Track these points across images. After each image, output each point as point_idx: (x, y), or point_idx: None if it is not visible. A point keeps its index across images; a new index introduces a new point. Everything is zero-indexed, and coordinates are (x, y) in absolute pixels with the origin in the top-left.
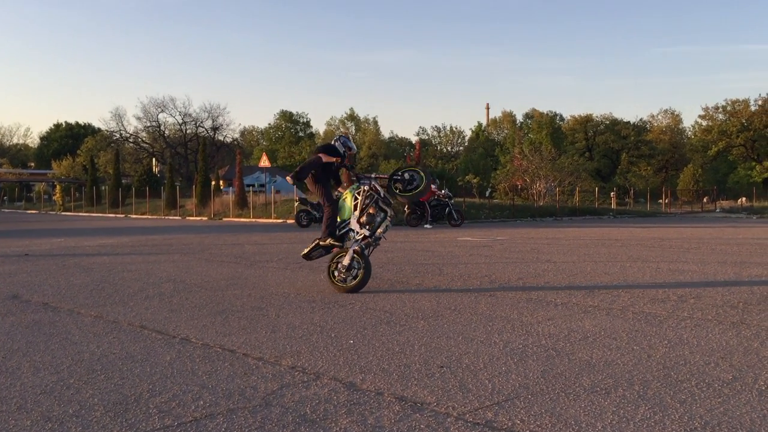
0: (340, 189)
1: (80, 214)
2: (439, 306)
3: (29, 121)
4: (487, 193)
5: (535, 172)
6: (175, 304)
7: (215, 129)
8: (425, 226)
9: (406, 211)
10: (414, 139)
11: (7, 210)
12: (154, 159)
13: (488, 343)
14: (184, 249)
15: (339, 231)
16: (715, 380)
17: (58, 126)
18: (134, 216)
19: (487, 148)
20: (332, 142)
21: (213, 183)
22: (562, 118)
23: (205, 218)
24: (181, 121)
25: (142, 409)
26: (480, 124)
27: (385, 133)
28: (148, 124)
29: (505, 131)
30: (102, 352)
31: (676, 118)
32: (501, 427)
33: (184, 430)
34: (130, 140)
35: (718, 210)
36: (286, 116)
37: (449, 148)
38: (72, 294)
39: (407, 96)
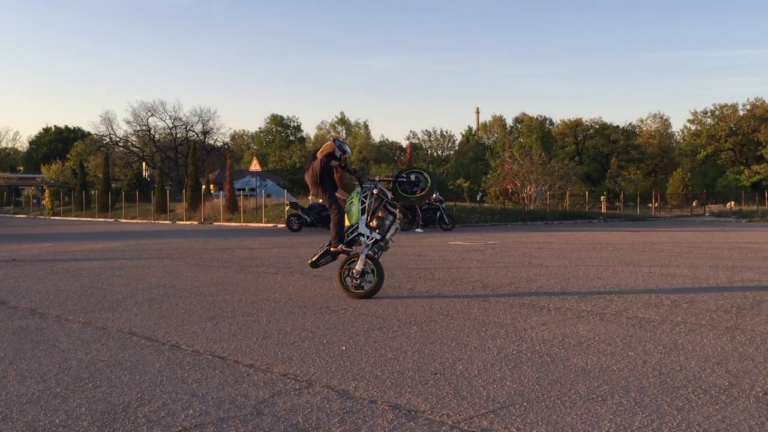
0: (336, 193)
1: (69, 218)
2: (432, 311)
3: (18, 124)
4: (478, 197)
5: (526, 176)
6: (165, 309)
7: (205, 133)
8: (416, 230)
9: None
10: (405, 143)
11: None
12: (144, 163)
13: (482, 349)
14: (174, 254)
15: (348, 236)
16: (711, 387)
17: (47, 130)
18: (124, 220)
19: (477, 152)
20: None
21: (204, 187)
22: (552, 123)
23: (195, 222)
24: (171, 125)
25: (131, 418)
26: (470, 128)
27: (376, 138)
28: (138, 128)
29: (496, 135)
30: (90, 360)
31: (665, 123)
32: None
33: None
34: (120, 144)
35: (707, 214)
36: (277, 120)
37: (440, 152)
38: (60, 300)
39: (397, 100)
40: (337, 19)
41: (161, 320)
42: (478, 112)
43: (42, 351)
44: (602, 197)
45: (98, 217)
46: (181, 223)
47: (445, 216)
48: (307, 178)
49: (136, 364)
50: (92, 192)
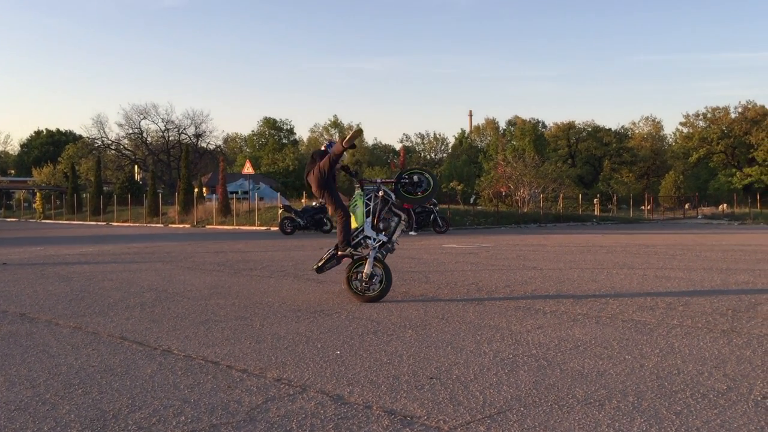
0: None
1: (61, 221)
2: (427, 315)
3: (9, 127)
4: (472, 200)
5: (519, 178)
6: (157, 314)
7: (198, 136)
8: (410, 233)
9: None
10: (398, 145)
11: None
12: (136, 166)
13: (478, 353)
14: (167, 257)
15: (354, 239)
16: (709, 390)
17: (38, 133)
18: (116, 224)
19: (470, 155)
20: (322, 149)
21: (196, 190)
22: (544, 125)
23: (187, 226)
24: (163, 128)
25: (121, 425)
26: (463, 131)
27: (369, 140)
28: (130, 131)
29: (489, 138)
30: (80, 365)
31: (657, 126)
32: None
33: None
34: (112, 147)
35: (699, 216)
36: (270, 123)
37: (433, 155)
38: (50, 304)
39: (391, 103)
40: (330, 22)
41: (153, 324)
42: (471, 115)
43: (31, 356)
44: (595, 200)
45: (90, 221)
46: (174, 226)
47: (439, 219)
48: (311, 180)
49: (127, 369)
50: (84, 195)
